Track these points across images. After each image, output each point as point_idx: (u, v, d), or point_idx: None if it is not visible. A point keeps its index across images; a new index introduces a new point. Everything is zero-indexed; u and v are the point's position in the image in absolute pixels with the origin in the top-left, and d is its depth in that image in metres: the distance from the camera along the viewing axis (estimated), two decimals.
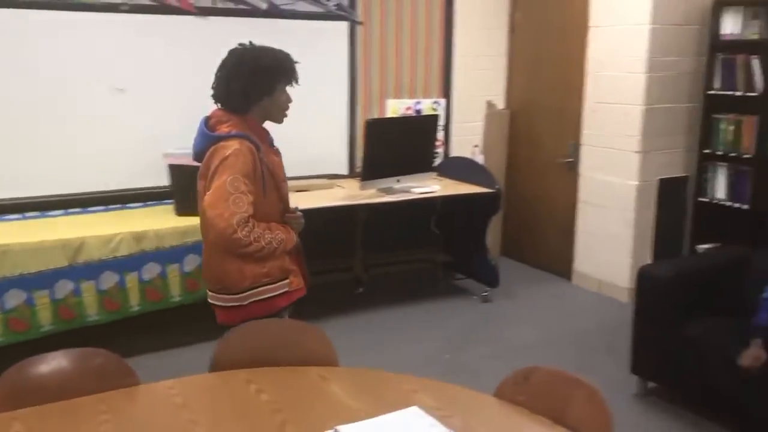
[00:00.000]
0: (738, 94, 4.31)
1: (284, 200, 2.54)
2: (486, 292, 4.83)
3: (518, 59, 5.57)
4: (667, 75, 4.54)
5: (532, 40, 5.43)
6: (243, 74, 2.39)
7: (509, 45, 5.59)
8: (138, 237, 3.71)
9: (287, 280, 2.50)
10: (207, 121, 2.46)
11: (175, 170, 3.97)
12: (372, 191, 4.36)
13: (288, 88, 2.50)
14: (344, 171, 4.96)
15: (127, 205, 4.20)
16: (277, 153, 2.57)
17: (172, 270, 3.82)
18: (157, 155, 4.03)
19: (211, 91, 2.47)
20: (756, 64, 4.20)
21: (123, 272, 3.67)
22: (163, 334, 3.96)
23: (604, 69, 4.75)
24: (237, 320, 2.38)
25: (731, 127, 4.38)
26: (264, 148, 2.44)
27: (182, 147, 4.00)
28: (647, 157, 4.60)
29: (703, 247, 4.55)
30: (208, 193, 2.32)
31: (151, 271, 3.76)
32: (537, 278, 5.34)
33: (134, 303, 3.74)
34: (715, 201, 4.51)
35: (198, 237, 3.84)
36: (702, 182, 4.57)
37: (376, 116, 5.00)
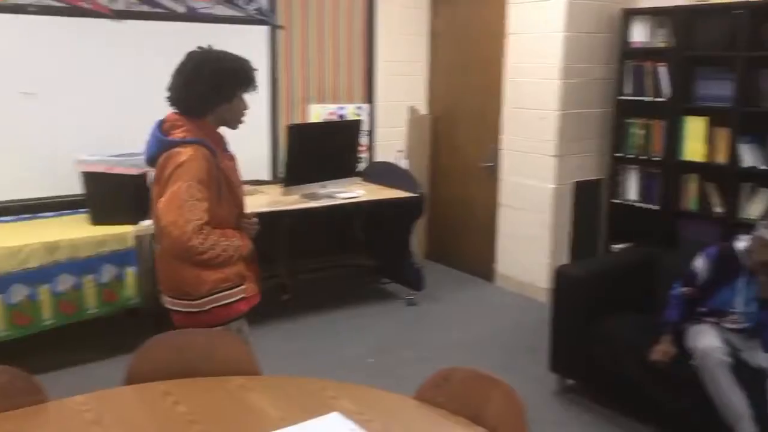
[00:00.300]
0: (647, 99, 4.50)
1: (239, 206, 2.51)
2: (411, 295, 4.88)
3: (439, 65, 5.66)
4: (580, 81, 4.71)
5: (453, 47, 5.52)
6: (203, 79, 2.33)
7: (430, 51, 5.68)
8: (50, 248, 3.56)
9: (244, 286, 2.47)
10: (161, 124, 2.40)
11: (90, 178, 3.84)
12: (295, 197, 4.34)
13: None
14: (267, 177, 4.92)
15: (39, 215, 4.04)
16: (232, 158, 2.53)
17: (88, 281, 3.70)
18: (70, 162, 3.89)
19: (167, 94, 2.40)
20: (663, 71, 4.40)
21: (34, 285, 3.52)
22: (78, 348, 3.82)
23: (521, 75, 4.88)
24: (198, 325, 2.36)
25: (641, 131, 4.57)
26: (219, 153, 2.40)
27: (97, 153, 3.90)
28: (563, 161, 4.75)
29: (617, 246, 4.73)
30: (162, 199, 2.27)
31: (65, 282, 3.62)
32: (461, 281, 5.43)
33: (47, 316, 3.59)
34: (627, 202, 4.70)
35: (115, 247, 3.80)
36: (615, 184, 4.76)
37: (298, 121, 4.98)
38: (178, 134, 2.34)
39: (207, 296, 2.38)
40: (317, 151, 4.40)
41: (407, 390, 1.95)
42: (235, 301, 2.44)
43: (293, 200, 4.31)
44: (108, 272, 3.74)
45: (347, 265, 5.31)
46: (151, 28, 4.30)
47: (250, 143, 4.86)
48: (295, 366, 3.75)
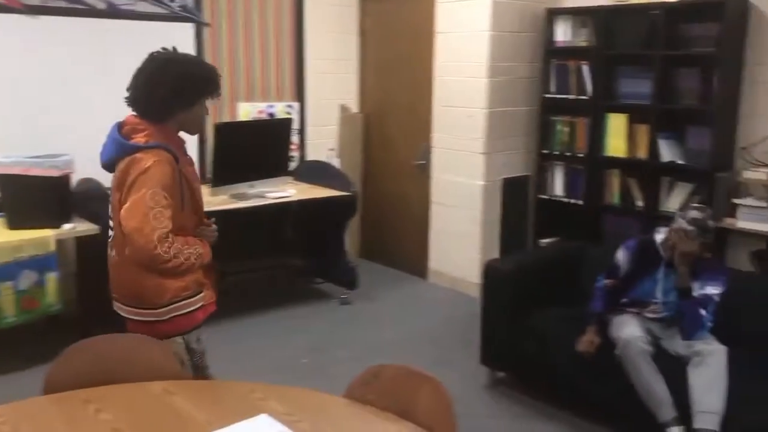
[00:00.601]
0: (571, 97, 4.62)
1: (199, 212, 2.45)
2: (345, 294, 4.87)
3: (369, 64, 5.67)
4: (507, 80, 4.80)
5: (382, 45, 5.54)
6: (167, 82, 2.26)
7: (360, 49, 5.68)
8: None
9: (203, 293, 2.42)
10: (120, 127, 2.31)
11: (5, 180, 3.68)
12: (224, 197, 4.27)
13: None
14: None
15: None
16: (192, 162, 2.46)
17: (5, 288, 3.54)
18: None
19: (126, 95, 2.32)
20: (586, 69, 4.53)
21: None
22: None
23: (449, 74, 4.93)
24: (159, 335, 2.29)
25: (566, 129, 4.69)
26: (181, 158, 2.33)
27: (13, 155, 3.74)
28: (491, 158, 4.83)
29: (544, 241, 4.84)
30: (125, 206, 2.20)
31: None
32: (395, 278, 5.45)
33: None
34: (553, 197, 4.82)
35: (34, 252, 3.65)
36: (542, 180, 4.87)
37: (226, 120, 4.90)
38: (139, 138, 2.27)
39: (168, 305, 2.33)
40: (246, 150, 4.34)
41: (340, 389, 1.95)
42: (195, 310, 2.40)
43: (221, 201, 4.23)
44: (27, 278, 3.59)
45: (279, 266, 5.26)
46: (68, 24, 4.14)
47: None
48: (226, 370, 3.66)
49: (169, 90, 2.26)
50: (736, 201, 3.92)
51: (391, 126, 5.57)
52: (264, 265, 5.17)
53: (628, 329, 2.96)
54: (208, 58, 4.78)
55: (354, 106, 5.71)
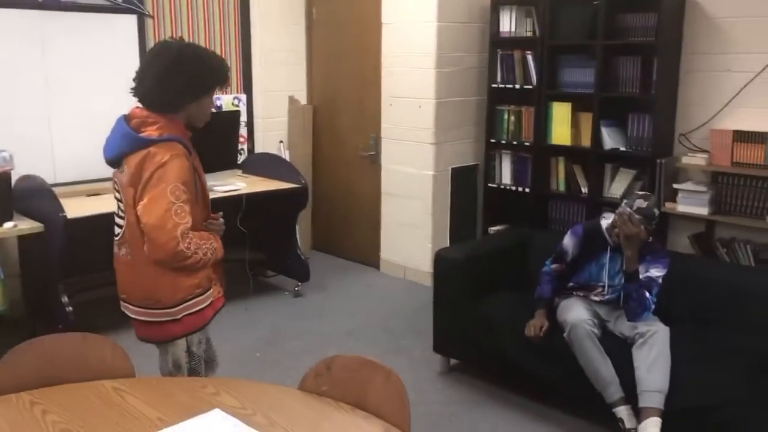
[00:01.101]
0: (517, 87, 4.69)
1: (208, 206, 2.41)
2: (297, 287, 4.86)
3: (317, 55, 5.65)
4: (454, 70, 4.84)
5: (330, 36, 5.52)
6: (183, 73, 2.20)
7: (308, 40, 5.65)
8: None
9: (212, 290, 2.39)
10: (127, 120, 2.24)
11: None
12: None
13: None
14: None
15: None
16: (197, 155, 2.39)
17: None
18: None
19: (132, 85, 2.26)
20: (531, 59, 4.60)
21: None
22: None
23: (397, 65, 4.95)
24: (167, 336, 2.29)
25: (512, 118, 4.76)
26: (192, 151, 2.29)
27: None
28: (441, 148, 4.88)
29: (494, 228, 4.92)
30: (143, 203, 2.15)
31: None
32: (347, 269, 5.47)
33: None
34: (502, 186, 4.89)
35: None
36: (490, 169, 4.93)
37: None
38: (151, 131, 2.21)
39: (181, 304, 2.29)
40: (193, 143, 4.26)
41: (294, 381, 1.95)
42: (205, 307, 2.36)
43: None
44: None
45: (230, 260, 5.14)
46: (7, 16, 4.02)
47: None
48: None
49: (185, 81, 2.21)
50: (676, 186, 4.05)
51: (340, 117, 5.57)
52: None
53: (575, 312, 3.04)
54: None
55: (303, 98, 5.68)
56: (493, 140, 4.86)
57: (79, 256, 3.85)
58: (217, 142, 4.50)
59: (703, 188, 3.96)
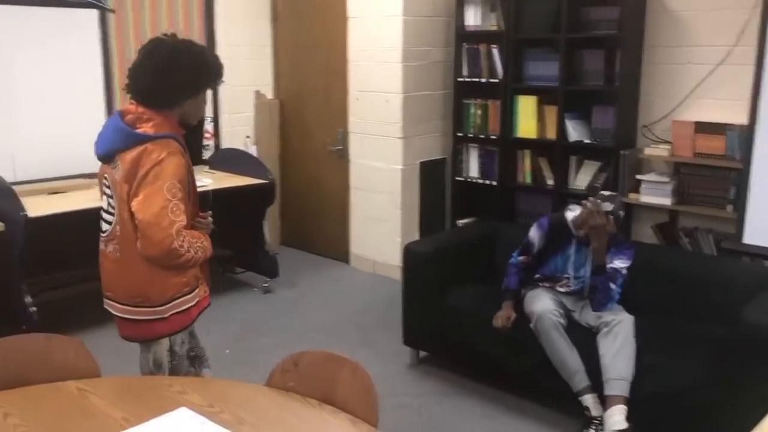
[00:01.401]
0: (483, 80, 4.71)
1: (197, 204, 2.40)
2: (266, 283, 4.84)
3: (283, 49, 5.61)
4: (421, 64, 4.85)
5: (296, 30, 5.49)
6: (180, 69, 2.20)
7: (273, 34, 5.61)
8: None
9: (198, 289, 2.38)
10: (122, 116, 2.23)
11: None
12: None
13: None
14: None
15: None
16: (188, 153, 2.38)
17: None
18: None
19: (126, 81, 2.26)
20: (496, 52, 4.63)
21: None
22: None
23: (363, 59, 4.94)
24: (153, 335, 2.30)
25: (479, 112, 4.79)
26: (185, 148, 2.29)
27: None
28: (409, 142, 4.89)
29: (462, 221, 4.95)
30: (138, 200, 2.14)
31: None
32: (317, 264, 5.46)
33: None
34: (470, 179, 4.92)
35: None
36: (458, 163, 4.96)
37: None
38: (147, 128, 2.20)
39: (170, 302, 2.29)
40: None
41: (264, 378, 1.94)
42: (192, 306, 2.36)
43: None
44: None
45: None
46: None
47: (86, 134, 4.57)
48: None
49: (182, 78, 2.21)
50: (640, 177, 4.11)
51: (307, 112, 5.54)
52: None
53: (541, 303, 3.07)
54: (114, 46, 4.63)
55: (269, 93, 5.64)
56: (460, 134, 4.89)
57: (42, 255, 3.78)
58: (184, 138, 4.46)
59: (665, 179, 4.03)
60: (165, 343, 2.36)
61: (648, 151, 4.14)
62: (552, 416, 3.16)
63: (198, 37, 5.08)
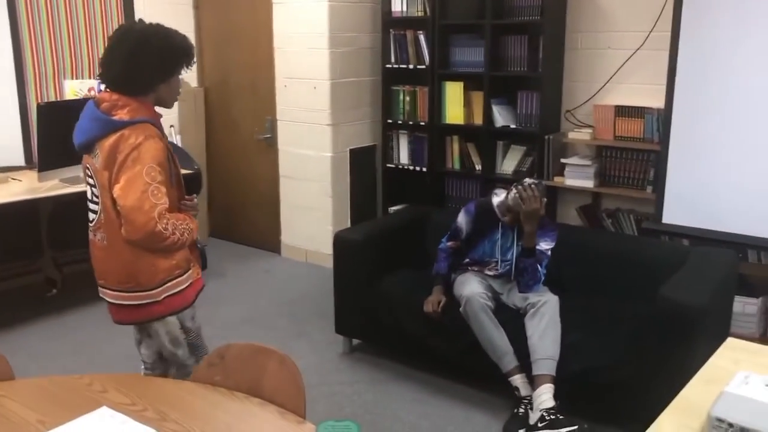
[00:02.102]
0: (411, 67, 4.72)
1: (181, 187, 2.38)
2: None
3: (207, 35, 5.47)
4: (349, 50, 4.81)
5: (219, 16, 5.36)
6: (150, 53, 2.21)
7: (196, 21, 5.46)
8: None
9: (191, 271, 2.41)
10: (97, 104, 2.20)
11: None
12: (54, 182, 3.98)
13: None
14: (20, 162, 4.45)
15: None
16: (166, 137, 2.36)
17: None
18: None
19: (99, 70, 2.27)
20: (423, 39, 4.63)
21: None
22: None
23: (290, 45, 4.87)
24: (149, 316, 2.34)
25: (408, 98, 4.80)
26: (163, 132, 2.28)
27: None
28: (338, 129, 4.85)
29: (394, 208, 4.96)
30: (119, 185, 2.15)
31: None
32: (247, 255, 5.37)
33: None
34: (400, 166, 4.92)
35: None
36: (388, 150, 4.96)
37: (52, 99, 4.55)
38: (122, 114, 2.18)
39: (161, 285, 2.30)
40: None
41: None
42: (186, 288, 2.38)
43: (52, 186, 3.94)
44: None
45: None
46: None
47: None
48: (67, 365, 3.48)
49: (154, 63, 2.22)
50: (564, 161, 4.20)
51: (234, 100, 5.43)
52: None
53: (470, 287, 3.10)
54: (25, 31, 4.41)
55: (193, 81, 5.49)
56: (389, 121, 4.88)
57: None
58: None
59: (588, 162, 4.13)
60: (173, 321, 2.40)
61: (571, 135, 4.24)
62: (485, 398, 3.20)
63: (116, 22, 4.89)
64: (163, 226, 2.17)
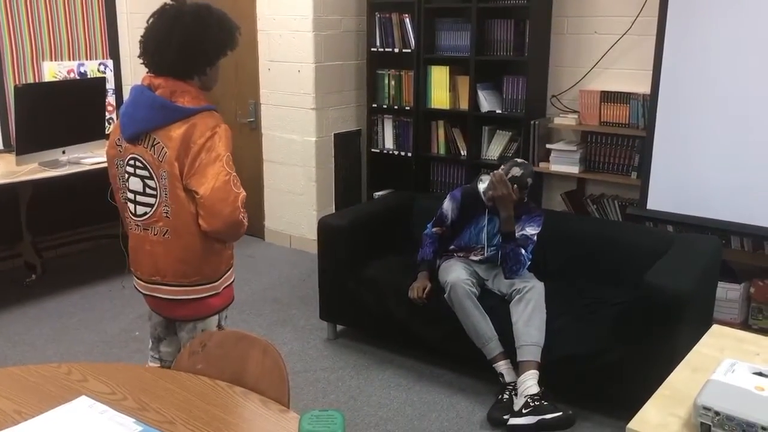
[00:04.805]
0: (396, 50, 4.67)
1: None
2: None
3: None
4: (333, 33, 4.75)
5: None
6: (209, 37, 2.12)
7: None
8: None
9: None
10: (152, 91, 2.09)
11: None
12: (33, 166, 3.91)
13: None
14: None
15: None
16: None
17: None
18: None
19: (149, 55, 2.15)
20: (408, 22, 4.58)
21: None
22: None
23: (274, 28, 4.80)
24: (208, 311, 2.26)
25: (393, 82, 4.75)
26: None
27: None
28: (322, 114, 4.80)
29: (379, 193, 4.92)
30: (195, 177, 2.07)
31: None
32: None
33: None
34: (385, 151, 4.89)
35: None
36: (373, 134, 4.92)
37: (30, 81, 4.46)
38: (185, 101, 2.10)
39: (223, 275, 2.27)
40: (55, 113, 3.98)
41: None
42: (234, 279, 2.36)
43: (31, 170, 3.87)
44: None
45: (100, 236, 4.93)
46: None
47: None
48: (47, 352, 3.43)
49: (210, 47, 2.14)
50: (549, 146, 4.19)
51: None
52: (85, 236, 4.84)
53: (455, 273, 3.09)
54: (2, 12, 4.32)
55: None
56: (374, 105, 4.84)
57: None
58: (80, 112, 4.22)
59: (573, 147, 4.12)
60: (214, 320, 2.32)
61: (557, 121, 4.22)
62: (470, 385, 3.20)
63: (98, 7, 4.80)
64: (244, 215, 2.15)
